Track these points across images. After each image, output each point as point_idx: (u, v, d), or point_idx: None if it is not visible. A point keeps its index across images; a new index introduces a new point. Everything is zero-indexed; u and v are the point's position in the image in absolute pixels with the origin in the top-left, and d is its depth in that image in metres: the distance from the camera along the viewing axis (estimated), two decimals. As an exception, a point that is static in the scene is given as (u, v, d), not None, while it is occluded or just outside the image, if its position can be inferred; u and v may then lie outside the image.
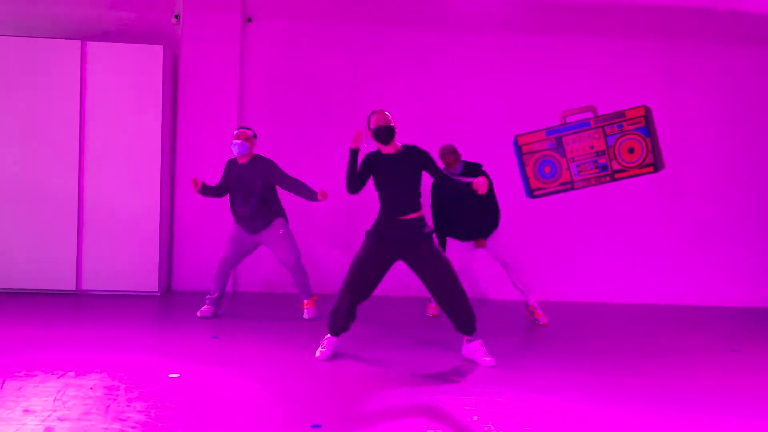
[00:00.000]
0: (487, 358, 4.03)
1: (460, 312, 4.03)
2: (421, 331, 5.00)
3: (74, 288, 5.90)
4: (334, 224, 6.52)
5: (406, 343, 4.60)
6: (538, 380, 3.77)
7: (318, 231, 6.48)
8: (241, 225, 5.10)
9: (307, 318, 5.20)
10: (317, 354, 4.10)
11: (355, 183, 4.02)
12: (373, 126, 3.99)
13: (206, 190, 5.13)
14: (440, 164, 5.32)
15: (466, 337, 4.14)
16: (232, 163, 5.12)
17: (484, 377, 3.79)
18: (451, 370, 3.93)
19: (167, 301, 5.83)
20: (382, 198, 4.06)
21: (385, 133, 3.97)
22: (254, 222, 5.04)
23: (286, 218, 5.16)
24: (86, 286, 5.93)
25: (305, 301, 5.26)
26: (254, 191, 5.00)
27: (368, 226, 4.15)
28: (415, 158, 4.00)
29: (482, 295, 6.57)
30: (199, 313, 5.15)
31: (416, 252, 3.99)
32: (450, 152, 5.26)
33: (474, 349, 4.10)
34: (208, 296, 5.24)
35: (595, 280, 6.58)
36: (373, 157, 4.06)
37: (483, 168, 5.35)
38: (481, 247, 5.29)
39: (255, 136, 5.12)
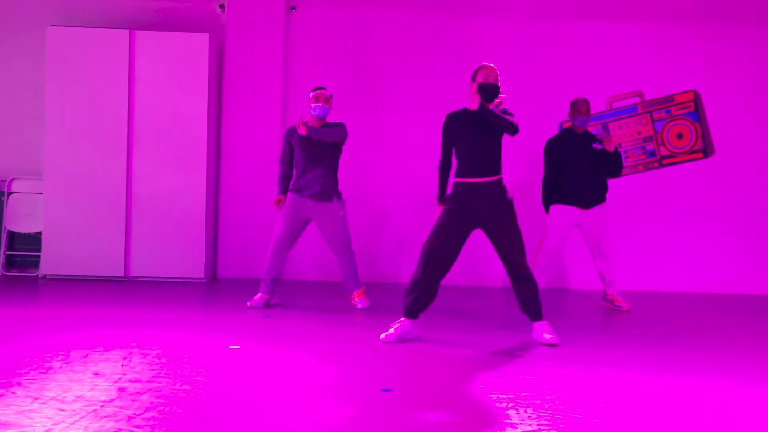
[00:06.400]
0: (548, 335, 3.93)
1: (524, 292, 3.95)
2: (483, 317, 4.95)
3: (122, 274, 5.96)
4: (387, 209, 6.50)
5: (467, 326, 4.55)
6: (607, 357, 3.71)
7: (371, 216, 6.45)
8: (298, 192, 4.87)
9: (360, 308, 4.97)
10: (382, 336, 3.92)
11: (444, 157, 4.04)
12: (480, 80, 3.89)
13: (285, 188, 4.95)
14: (569, 112, 5.26)
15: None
16: (294, 130, 4.90)
17: (552, 354, 3.73)
18: (515, 347, 3.88)
19: (214, 288, 5.86)
20: (459, 159, 3.96)
21: (490, 91, 3.86)
22: (321, 191, 4.82)
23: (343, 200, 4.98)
24: (134, 272, 5.98)
25: (355, 293, 5.02)
26: (324, 158, 4.83)
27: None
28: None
29: (564, 284, 6.46)
30: (249, 303, 4.89)
31: (496, 220, 3.89)
32: (583, 102, 5.16)
33: (538, 328, 4.00)
34: (262, 283, 4.96)
35: (653, 269, 6.44)
36: (454, 118, 3.99)
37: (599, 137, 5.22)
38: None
39: (331, 96, 4.93)
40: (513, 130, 3.84)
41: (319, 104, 4.82)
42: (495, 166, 3.93)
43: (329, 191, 4.87)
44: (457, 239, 3.90)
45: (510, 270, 3.94)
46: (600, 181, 5.25)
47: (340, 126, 4.86)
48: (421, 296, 3.91)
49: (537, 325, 4.00)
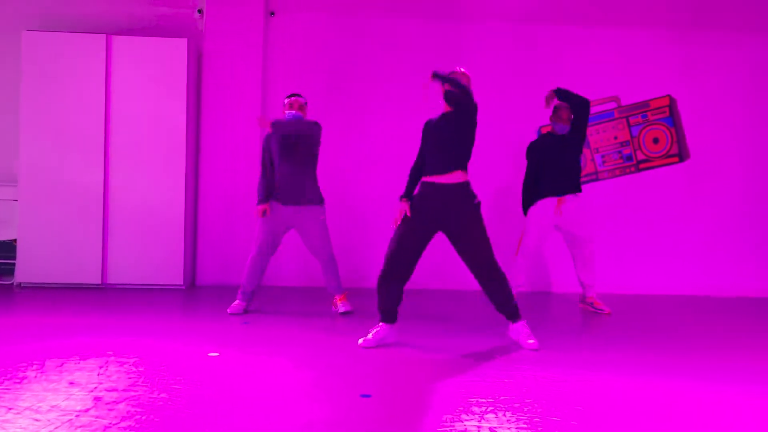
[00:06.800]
0: (531, 341, 3.94)
1: (499, 293, 3.97)
2: (461, 320, 4.96)
3: (99, 282, 5.88)
4: (367, 215, 6.49)
5: (446, 330, 4.56)
6: (586, 360, 3.73)
7: (351, 221, 6.43)
8: (278, 199, 4.86)
9: (341, 313, 4.94)
10: (360, 341, 3.93)
11: (418, 159, 4.09)
12: (447, 86, 3.91)
13: (267, 195, 4.92)
14: (550, 116, 5.42)
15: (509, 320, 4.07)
16: (271, 136, 4.90)
17: (531, 357, 3.75)
18: (494, 350, 3.89)
19: (193, 294, 5.81)
20: (427, 159, 3.98)
21: (453, 99, 3.89)
22: (301, 195, 4.82)
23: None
24: (111, 279, 5.91)
25: (337, 297, 5.00)
26: (302, 161, 4.82)
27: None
28: (460, 116, 3.90)
29: (545, 287, 6.50)
30: (229, 309, 4.88)
31: (461, 223, 3.88)
32: (566, 109, 5.29)
33: (518, 330, 4.03)
34: (240, 290, 4.97)
35: (632, 272, 6.50)
36: (428, 121, 4.04)
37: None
38: (561, 204, 5.20)
39: (306, 103, 4.96)
40: (465, 98, 3.85)
41: (293, 111, 4.84)
42: (459, 165, 3.90)
43: (309, 195, 4.86)
44: (416, 242, 3.93)
45: (480, 273, 3.93)
46: (576, 174, 5.32)
47: (310, 122, 4.84)
48: (387, 298, 3.94)
49: (516, 326, 4.01)
